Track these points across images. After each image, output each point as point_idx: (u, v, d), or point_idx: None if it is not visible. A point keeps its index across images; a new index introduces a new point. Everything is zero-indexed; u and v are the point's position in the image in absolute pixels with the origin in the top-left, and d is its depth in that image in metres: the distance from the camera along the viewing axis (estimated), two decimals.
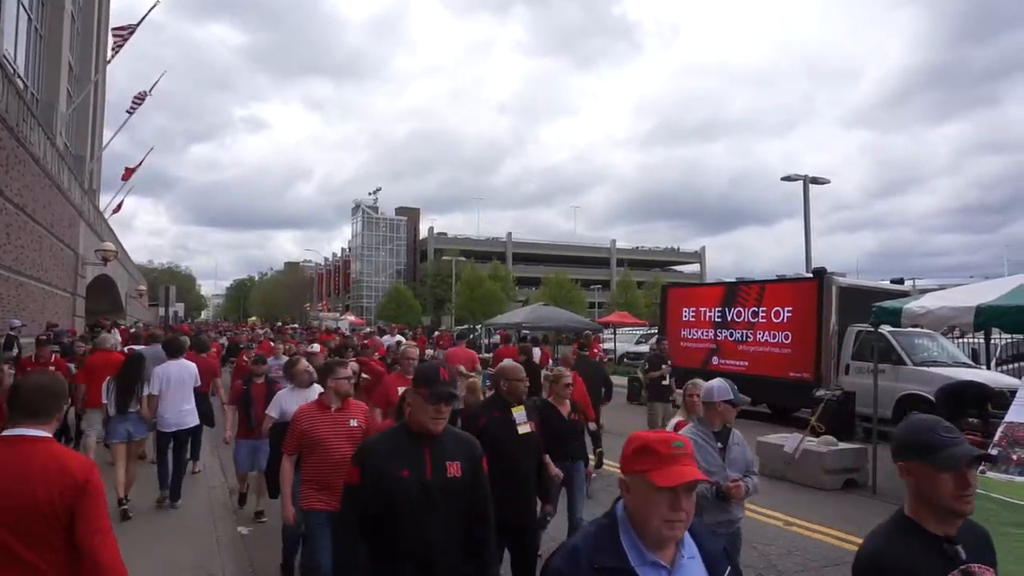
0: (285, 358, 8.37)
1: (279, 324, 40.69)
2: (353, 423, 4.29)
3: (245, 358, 10.74)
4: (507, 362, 4.88)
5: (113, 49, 24.64)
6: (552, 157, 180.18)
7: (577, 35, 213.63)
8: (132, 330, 16.81)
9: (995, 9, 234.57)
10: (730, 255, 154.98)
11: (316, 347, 9.42)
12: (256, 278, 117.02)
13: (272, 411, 5.57)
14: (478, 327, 32.97)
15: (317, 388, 5.32)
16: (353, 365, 6.12)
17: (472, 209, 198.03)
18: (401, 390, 5.01)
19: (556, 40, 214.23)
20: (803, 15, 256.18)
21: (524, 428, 4.19)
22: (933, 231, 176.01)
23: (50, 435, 2.33)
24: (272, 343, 14.04)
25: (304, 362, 6.11)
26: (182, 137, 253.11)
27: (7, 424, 2.32)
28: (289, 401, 5.50)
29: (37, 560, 2.14)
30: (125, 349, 9.46)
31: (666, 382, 10.73)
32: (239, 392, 7.14)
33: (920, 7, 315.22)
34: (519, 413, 4.23)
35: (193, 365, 7.69)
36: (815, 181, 21.09)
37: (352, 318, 51.34)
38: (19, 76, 18.18)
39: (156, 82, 28.68)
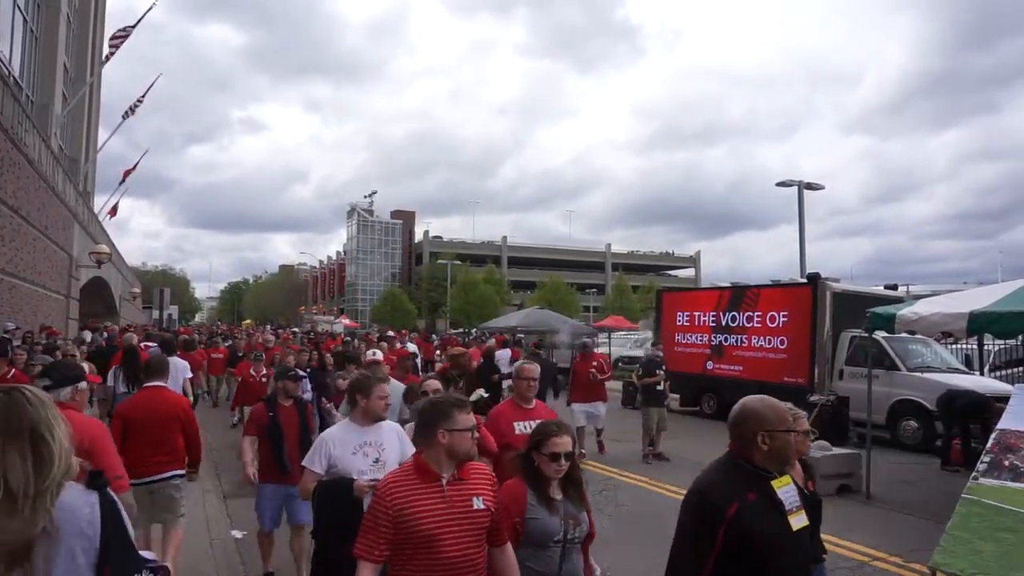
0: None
1: (282, 328, 39.45)
2: (479, 504, 2.62)
3: (253, 372, 10.36)
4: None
5: (109, 51, 24.57)
6: (551, 160, 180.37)
7: (578, 37, 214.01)
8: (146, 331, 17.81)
9: (995, 16, 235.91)
10: (726, 260, 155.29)
11: (377, 354, 7.26)
12: (251, 281, 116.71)
13: (316, 462, 3.65)
14: (473, 331, 32.96)
15: (394, 430, 3.85)
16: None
17: (470, 212, 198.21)
18: (522, 426, 4.09)
19: (557, 42, 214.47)
20: (804, 19, 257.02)
21: (799, 520, 2.39)
22: (929, 237, 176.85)
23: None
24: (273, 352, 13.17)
25: (435, 384, 4.79)
26: (179, 138, 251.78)
27: None
28: (346, 446, 3.65)
29: None
30: (142, 345, 11.07)
31: (661, 387, 10.81)
32: (263, 420, 5.22)
33: (920, 13, 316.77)
34: (785, 490, 2.40)
35: (184, 362, 9.51)
36: (810, 187, 21.17)
37: (347, 321, 51.26)
38: (14, 78, 18.14)
39: (150, 87, 28.61)
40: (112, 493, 1.86)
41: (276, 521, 5.23)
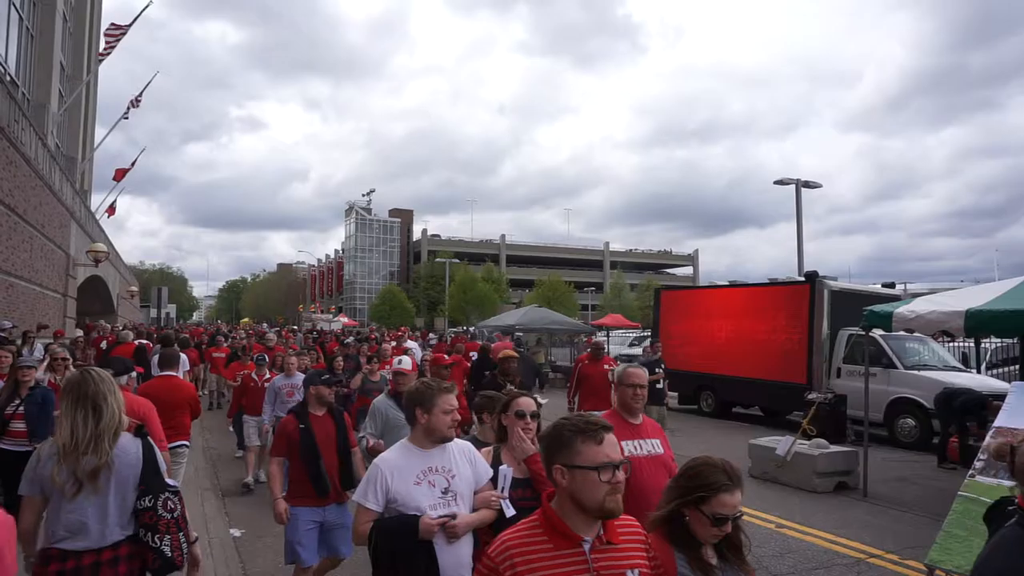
0: (301, 375, 7.45)
1: (286, 326, 38.57)
2: None
3: (255, 376, 9.01)
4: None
5: (105, 50, 24.51)
6: (550, 158, 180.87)
7: (578, 34, 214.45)
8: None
9: (995, 13, 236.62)
10: (725, 258, 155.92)
11: (406, 361, 5.68)
12: (249, 279, 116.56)
13: (370, 496, 2.87)
14: (471, 329, 32.93)
15: (464, 452, 3.09)
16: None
17: (469, 210, 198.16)
18: (632, 447, 3.28)
19: (557, 39, 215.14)
20: (804, 17, 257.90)
21: None
22: (928, 235, 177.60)
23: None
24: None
25: (529, 402, 3.33)
26: (177, 136, 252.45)
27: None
28: (406, 474, 2.92)
29: None
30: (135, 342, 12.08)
31: (660, 385, 10.82)
32: (293, 436, 4.46)
33: (920, 11, 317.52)
34: None
35: (185, 356, 10.02)
36: (807, 185, 21.17)
37: (345, 320, 51.23)
38: (10, 76, 18.10)
39: (146, 86, 28.52)
40: (151, 440, 2.96)
41: (315, 553, 4.43)
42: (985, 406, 9.62)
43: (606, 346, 12.76)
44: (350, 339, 14.87)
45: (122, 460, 2.78)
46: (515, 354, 7.69)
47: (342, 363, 9.54)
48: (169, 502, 2.84)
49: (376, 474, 2.91)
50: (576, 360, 11.33)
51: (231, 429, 10.82)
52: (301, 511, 4.37)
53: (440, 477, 2.94)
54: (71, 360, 7.15)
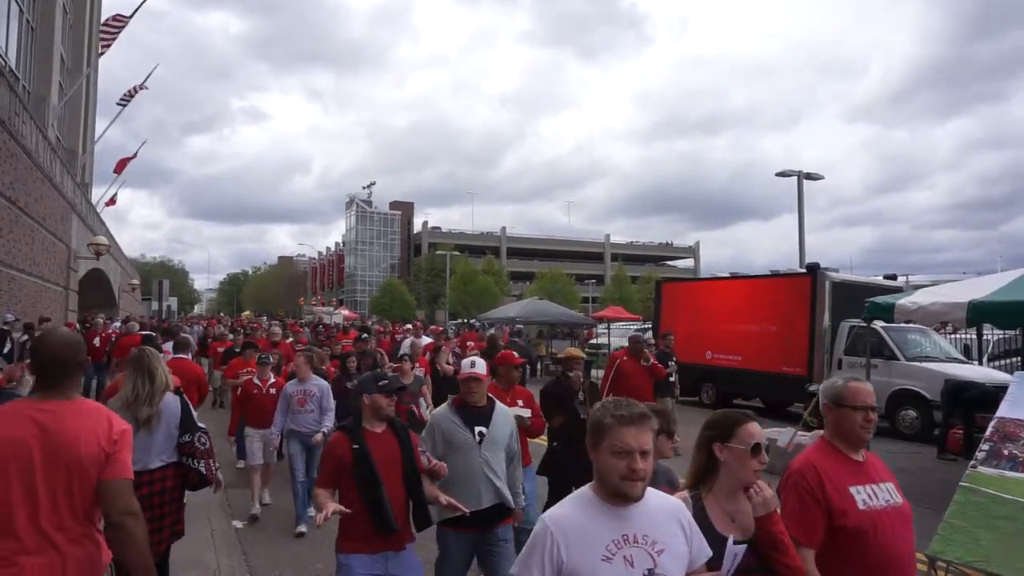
0: (319, 381, 6.78)
1: (287, 318, 37.88)
2: None
3: (258, 380, 7.29)
4: None
5: (105, 42, 24.44)
6: (553, 150, 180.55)
7: (582, 25, 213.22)
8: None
9: (1001, 4, 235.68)
10: (728, 250, 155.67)
11: (480, 365, 4.07)
12: (250, 272, 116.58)
13: (534, 569, 2.00)
14: (472, 321, 32.96)
15: (673, 512, 2.13)
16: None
17: (470, 203, 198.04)
18: (864, 494, 2.48)
19: (561, 30, 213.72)
20: (809, 8, 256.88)
21: None
22: (931, 227, 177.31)
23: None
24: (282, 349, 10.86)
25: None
26: (179, 128, 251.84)
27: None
28: (590, 542, 2.00)
29: None
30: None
31: (672, 378, 10.77)
32: (344, 459, 3.44)
33: (926, 2, 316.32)
34: None
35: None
36: (809, 177, 21.13)
37: (346, 312, 51.27)
38: (10, 68, 18.05)
39: (148, 76, 28.50)
40: (185, 397, 4.22)
41: None
42: (997, 402, 9.63)
43: (607, 338, 12.48)
44: (366, 335, 12.53)
45: (167, 410, 4.04)
46: (580, 354, 6.32)
47: (355, 362, 8.27)
48: (202, 437, 4.11)
49: (544, 539, 2.00)
50: (611, 356, 10.34)
51: (232, 446, 8.76)
52: (355, 560, 3.35)
53: (641, 552, 1.99)
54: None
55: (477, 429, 3.89)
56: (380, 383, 3.62)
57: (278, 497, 7.48)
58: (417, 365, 8.61)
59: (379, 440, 3.52)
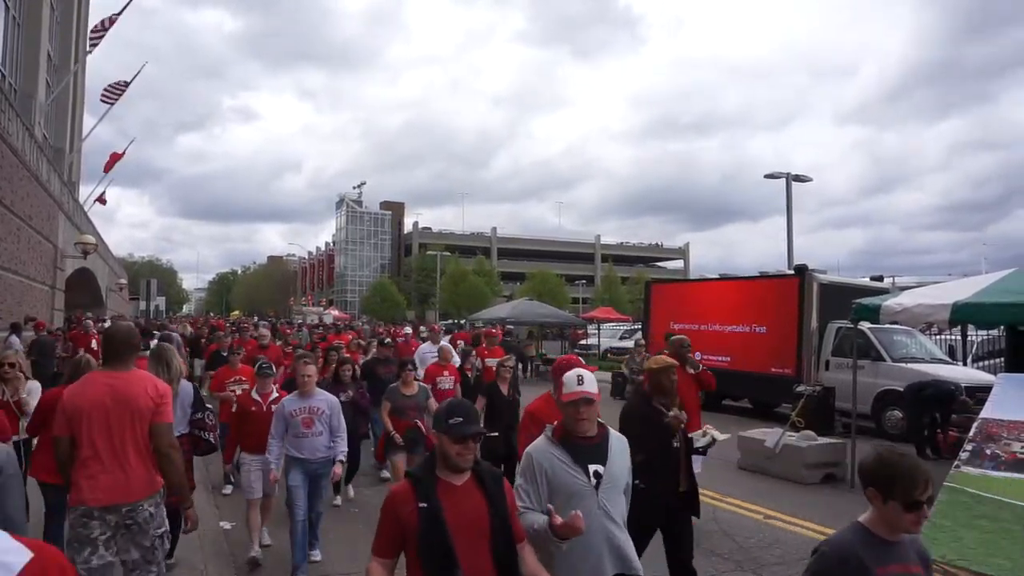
0: (326, 395, 5.47)
1: (280, 320, 37.03)
2: None
3: (256, 395, 5.91)
4: None
5: (93, 41, 24.25)
6: (545, 151, 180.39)
7: (577, 25, 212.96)
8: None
9: (993, 6, 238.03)
10: (718, 251, 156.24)
11: (586, 379, 3.03)
12: (239, 272, 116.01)
13: None
14: (463, 322, 32.96)
15: None
16: None
17: (463, 203, 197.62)
18: None
19: (555, 29, 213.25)
20: (801, 9, 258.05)
21: None
22: (920, 228, 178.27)
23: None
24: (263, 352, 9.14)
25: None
26: (169, 127, 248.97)
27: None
28: None
29: None
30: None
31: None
32: (407, 521, 2.46)
33: (918, 3, 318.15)
34: None
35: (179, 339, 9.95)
36: (798, 179, 21.27)
37: (336, 312, 51.14)
38: None
39: (136, 74, 28.25)
40: (194, 383, 5.59)
41: None
42: (954, 399, 9.81)
43: (597, 339, 12.39)
44: (388, 339, 10.74)
45: (183, 392, 4.97)
46: (672, 361, 4.51)
47: (350, 372, 7.31)
48: (211, 415, 5.22)
49: None
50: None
51: (229, 476, 7.59)
52: None
53: None
54: (20, 368, 5.48)
55: (592, 468, 2.87)
56: (451, 421, 2.52)
57: (280, 536, 5.90)
58: (446, 374, 8.10)
59: (458, 496, 2.48)
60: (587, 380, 2.92)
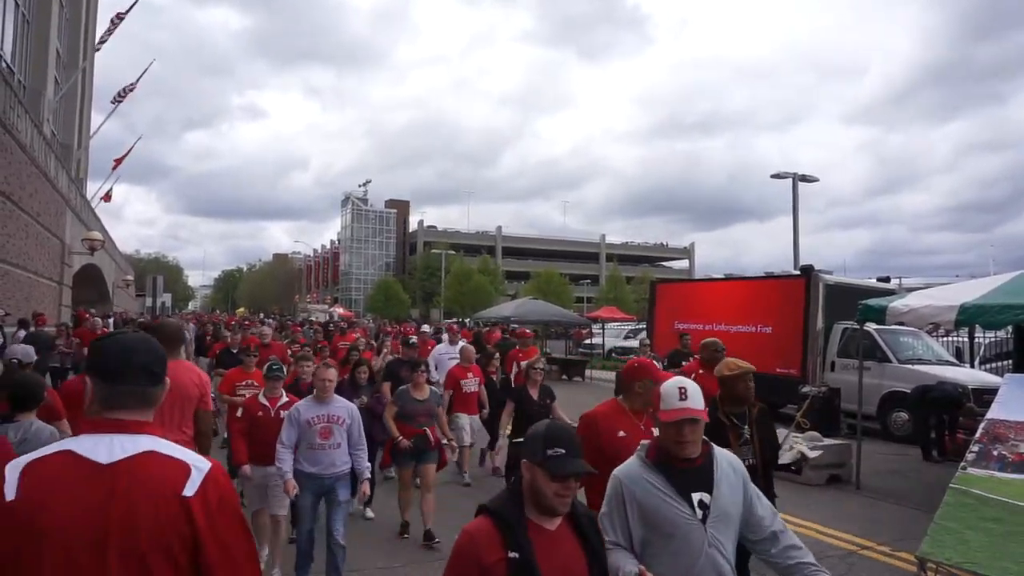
0: (345, 402, 4.98)
1: (287, 318, 36.19)
2: None
3: (264, 399, 5.30)
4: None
5: (101, 39, 24.35)
6: (551, 150, 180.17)
7: (583, 24, 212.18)
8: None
9: (1001, 6, 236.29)
10: (723, 251, 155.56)
11: (693, 398, 2.50)
12: (245, 269, 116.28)
13: None
14: (467, 320, 32.96)
15: None
16: None
17: (467, 201, 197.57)
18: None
19: (562, 29, 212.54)
20: (808, 9, 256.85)
21: None
22: (927, 229, 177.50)
23: None
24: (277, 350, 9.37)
25: None
26: (177, 124, 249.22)
27: None
28: None
29: None
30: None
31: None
32: (492, 571, 1.97)
33: (925, 3, 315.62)
34: None
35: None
36: (804, 179, 21.21)
37: (341, 310, 51.21)
38: (6, 62, 17.98)
39: (142, 74, 28.45)
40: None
41: None
42: (960, 404, 9.80)
43: (601, 339, 12.35)
44: (413, 338, 9.60)
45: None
46: (749, 366, 4.47)
47: (366, 374, 7.07)
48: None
49: None
50: (685, 371, 7.59)
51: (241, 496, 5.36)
52: None
53: None
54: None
55: (696, 497, 2.43)
56: (549, 452, 2.03)
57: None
58: (471, 375, 7.87)
59: (551, 543, 2.07)
60: (691, 394, 2.41)
